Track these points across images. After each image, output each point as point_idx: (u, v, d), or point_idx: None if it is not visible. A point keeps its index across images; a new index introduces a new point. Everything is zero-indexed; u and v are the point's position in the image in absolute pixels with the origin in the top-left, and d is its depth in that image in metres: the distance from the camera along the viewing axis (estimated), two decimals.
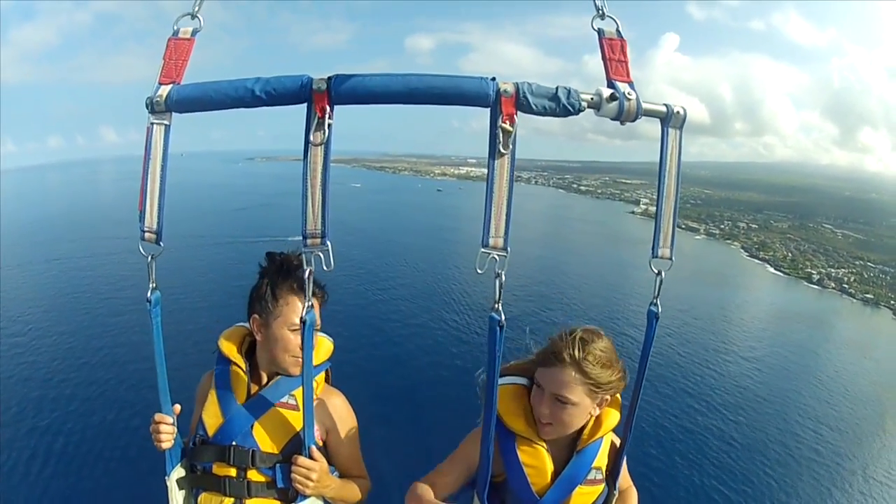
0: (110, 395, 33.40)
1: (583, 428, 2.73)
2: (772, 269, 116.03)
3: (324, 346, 2.97)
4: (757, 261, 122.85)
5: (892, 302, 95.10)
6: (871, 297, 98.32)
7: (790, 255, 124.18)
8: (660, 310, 2.40)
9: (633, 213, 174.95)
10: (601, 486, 2.75)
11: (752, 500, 29.95)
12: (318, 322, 2.83)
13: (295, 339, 2.75)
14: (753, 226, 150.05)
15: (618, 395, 2.75)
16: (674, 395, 41.06)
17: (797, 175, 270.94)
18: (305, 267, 2.25)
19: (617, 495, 2.83)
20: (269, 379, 2.91)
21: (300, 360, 2.64)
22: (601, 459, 2.74)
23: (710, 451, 33.89)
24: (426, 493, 2.69)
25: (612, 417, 2.73)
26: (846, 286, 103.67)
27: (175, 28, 2.31)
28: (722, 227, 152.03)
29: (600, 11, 2.19)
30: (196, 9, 2.29)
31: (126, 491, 24.73)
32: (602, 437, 2.73)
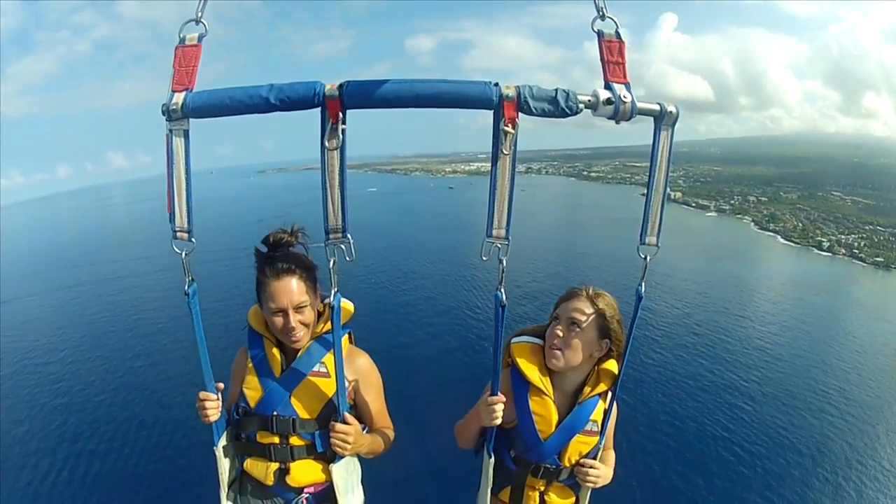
0: (147, 416, 33.91)
1: (585, 383, 3.13)
2: (782, 240, 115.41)
3: (343, 311, 2.96)
4: (768, 233, 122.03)
5: None
6: (882, 260, 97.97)
7: (800, 224, 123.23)
8: (644, 291, 2.75)
9: (643, 195, 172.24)
10: (596, 439, 3.11)
11: (769, 450, 31.39)
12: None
13: (280, 322, 2.96)
14: (763, 199, 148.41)
15: (615, 362, 3.11)
16: (690, 358, 42.82)
17: (805, 145, 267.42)
18: (329, 258, 2.49)
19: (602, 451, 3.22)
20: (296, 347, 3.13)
21: (294, 337, 2.99)
22: (598, 414, 3.09)
23: (726, 407, 35.57)
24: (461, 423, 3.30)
25: (610, 377, 3.10)
26: (856, 251, 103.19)
27: (181, 36, 2.40)
28: (732, 202, 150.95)
29: (601, 12, 2.29)
30: (199, 14, 2.36)
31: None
32: (600, 395, 3.10)
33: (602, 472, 3.12)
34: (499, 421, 2.93)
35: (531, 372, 3.08)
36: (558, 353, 3.01)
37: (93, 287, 70.20)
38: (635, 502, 25.74)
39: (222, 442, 3.13)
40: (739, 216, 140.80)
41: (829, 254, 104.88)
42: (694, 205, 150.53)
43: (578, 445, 3.10)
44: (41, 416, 34.33)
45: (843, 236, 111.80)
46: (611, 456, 3.34)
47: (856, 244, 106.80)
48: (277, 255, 3.03)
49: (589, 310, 3.01)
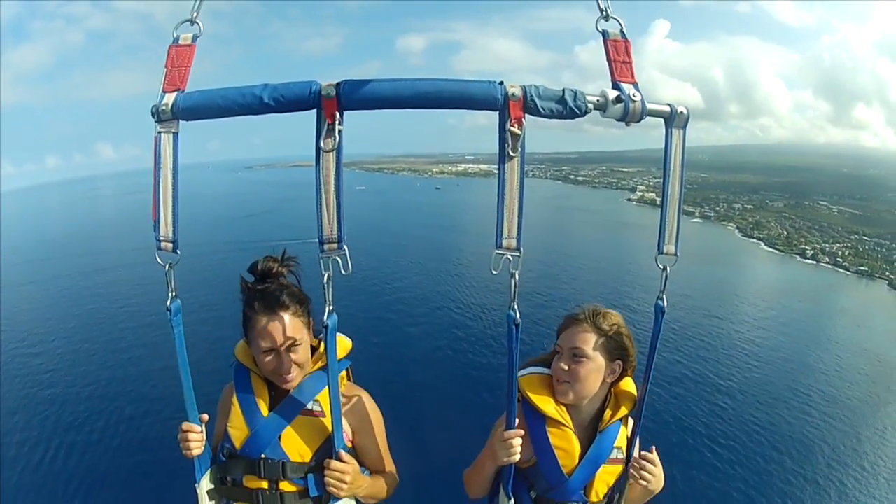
0: (133, 410, 34.18)
1: (603, 409, 2.92)
2: (765, 247, 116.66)
3: (340, 345, 2.82)
4: (752, 240, 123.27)
5: (887, 273, 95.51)
6: (866, 269, 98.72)
7: (785, 232, 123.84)
8: (665, 304, 2.59)
9: (629, 199, 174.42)
10: (622, 466, 2.89)
11: (746, 447, 32.03)
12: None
13: (272, 362, 2.72)
14: (749, 206, 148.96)
15: (631, 381, 2.97)
16: (670, 356, 43.06)
17: (794, 155, 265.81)
18: (323, 272, 2.33)
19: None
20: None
21: (286, 376, 2.73)
22: (622, 440, 2.90)
23: (702, 414, 35.68)
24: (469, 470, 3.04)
25: (630, 399, 2.92)
26: (840, 260, 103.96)
27: (175, 35, 2.33)
28: (717, 209, 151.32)
29: (604, 13, 2.26)
30: (195, 14, 2.33)
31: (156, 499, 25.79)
32: (621, 419, 2.90)
33: (658, 472, 2.83)
34: (517, 457, 2.70)
35: (545, 405, 2.86)
36: (566, 387, 2.83)
37: (82, 278, 70.13)
38: None
39: (206, 482, 2.86)
40: (724, 223, 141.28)
41: (813, 262, 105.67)
42: None
43: (605, 476, 2.87)
44: (31, 407, 34.34)
45: (827, 245, 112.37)
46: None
47: (840, 253, 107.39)
48: (267, 287, 2.78)
49: (591, 336, 2.81)
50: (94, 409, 34.19)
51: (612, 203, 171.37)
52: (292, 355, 2.73)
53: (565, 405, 2.89)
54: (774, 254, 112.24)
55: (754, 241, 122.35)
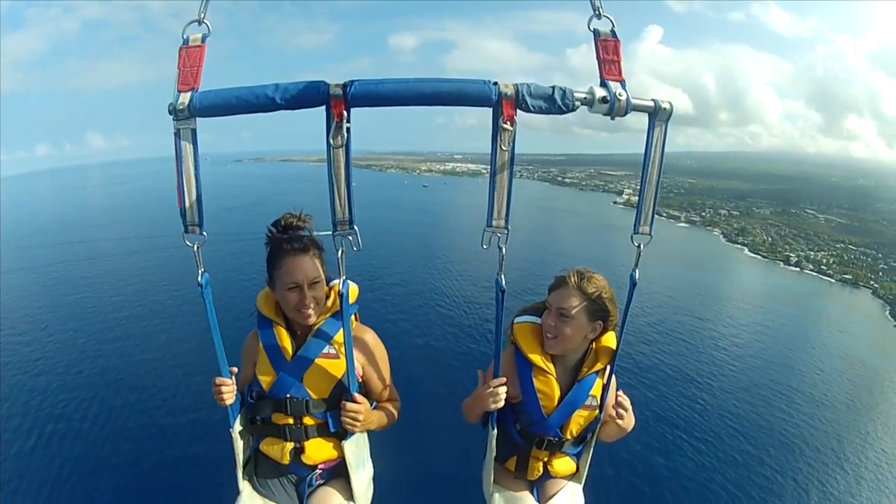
0: (118, 398, 33.76)
1: (583, 361, 3.34)
2: (749, 253, 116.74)
3: (350, 293, 3.09)
4: (736, 245, 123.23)
5: (871, 282, 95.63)
6: (850, 277, 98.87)
7: (769, 239, 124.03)
8: (637, 276, 2.83)
9: (615, 203, 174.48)
10: (596, 412, 3.34)
11: (722, 453, 31.89)
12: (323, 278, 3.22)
13: (294, 298, 3.09)
14: (735, 213, 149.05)
15: (612, 335, 3.34)
16: (650, 353, 44.29)
17: (783, 163, 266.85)
18: (337, 249, 2.61)
19: (605, 420, 3.42)
20: (304, 330, 3.27)
21: (306, 313, 3.12)
22: (597, 390, 3.30)
23: (682, 410, 36.13)
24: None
25: (607, 355, 3.30)
26: (824, 268, 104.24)
27: (185, 37, 2.41)
28: (703, 214, 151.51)
29: (597, 11, 2.36)
30: (202, 15, 2.41)
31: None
32: (598, 372, 3.30)
33: (628, 416, 3.25)
34: (500, 405, 3.14)
35: (533, 354, 3.28)
36: (553, 341, 3.22)
37: (73, 266, 69.64)
38: (606, 479, 25.97)
39: (238, 424, 3.26)
40: (709, 228, 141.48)
41: (797, 269, 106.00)
42: (665, 215, 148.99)
43: (579, 419, 3.34)
44: (22, 394, 34.31)
45: (812, 252, 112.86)
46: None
47: (824, 261, 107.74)
48: (291, 234, 3.17)
49: (576, 299, 3.15)
50: (83, 397, 33.93)
51: (598, 206, 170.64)
52: (312, 292, 3.12)
53: (551, 355, 3.32)
54: (758, 260, 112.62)
55: (738, 246, 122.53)
